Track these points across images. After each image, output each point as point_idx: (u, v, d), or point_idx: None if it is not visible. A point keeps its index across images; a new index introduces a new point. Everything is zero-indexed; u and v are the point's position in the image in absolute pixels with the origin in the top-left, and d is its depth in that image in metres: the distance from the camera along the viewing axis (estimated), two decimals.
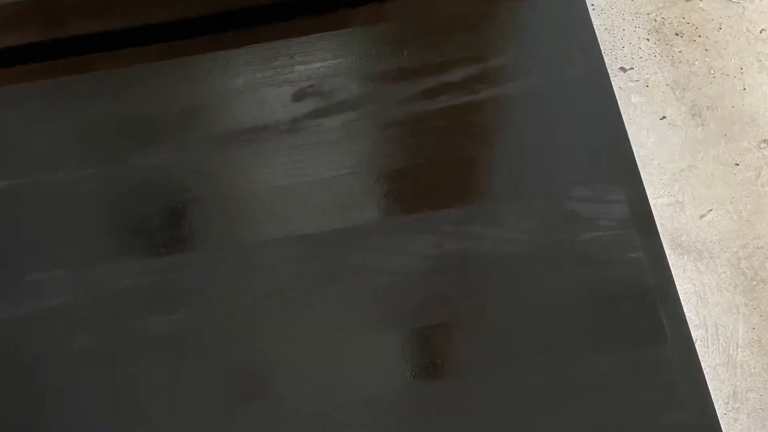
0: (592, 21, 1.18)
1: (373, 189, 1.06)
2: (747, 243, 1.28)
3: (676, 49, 1.45)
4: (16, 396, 0.95)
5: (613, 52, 1.43)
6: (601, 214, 1.02)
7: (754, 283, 1.25)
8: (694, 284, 1.26)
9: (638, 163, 1.07)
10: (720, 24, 1.46)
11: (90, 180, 1.07)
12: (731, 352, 1.22)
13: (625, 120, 1.10)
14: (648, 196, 1.04)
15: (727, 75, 1.43)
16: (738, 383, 1.20)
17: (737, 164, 1.34)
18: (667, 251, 1.05)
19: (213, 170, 1.07)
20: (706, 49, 1.45)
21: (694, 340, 0.93)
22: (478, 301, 0.98)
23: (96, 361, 0.96)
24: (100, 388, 0.95)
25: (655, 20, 1.47)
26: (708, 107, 1.40)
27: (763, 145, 1.35)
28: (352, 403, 0.93)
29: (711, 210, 1.31)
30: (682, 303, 0.97)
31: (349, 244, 1.02)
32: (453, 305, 0.98)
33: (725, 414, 1.19)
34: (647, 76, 1.43)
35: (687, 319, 0.95)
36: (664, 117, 1.39)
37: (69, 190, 1.06)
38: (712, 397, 0.90)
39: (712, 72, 1.43)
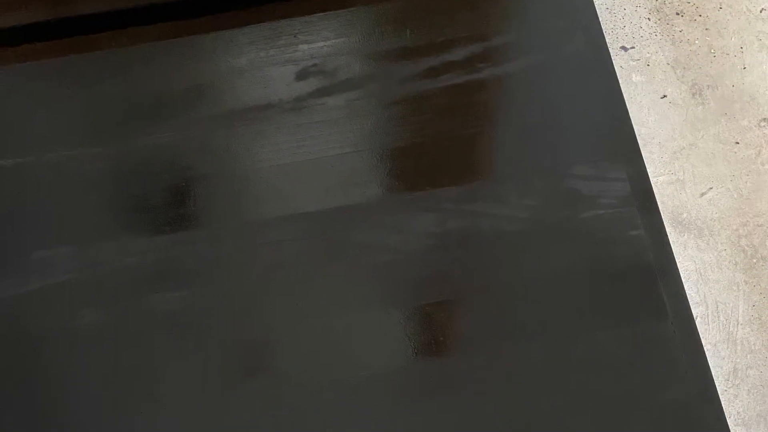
0: (594, 0, 1.14)
1: (375, 167, 1.04)
2: (747, 221, 1.25)
3: (676, 28, 1.42)
4: (21, 372, 0.93)
5: (614, 32, 1.40)
6: (602, 192, 1.00)
7: (754, 260, 1.23)
8: (695, 262, 1.23)
9: (639, 141, 1.05)
10: (720, 3, 1.42)
11: (95, 158, 1.05)
12: (731, 329, 1.20)
13: (626, 99, 1.08)
14: (649, 174, 1.02)
15: (728, 54, 1.39)
16: (738, 360, 1.18)
17: (737, 143, 1.31)
18: (668, 229, 1.02)
19: (217, 149, 1.05)
20: (706, 29, 1.42)
21: (694, 317, 0.90)
22: (480, 278, 0.96)
23: (101, 337, 0.94)
24: (105, 364, 0.93)
25: (656, 0, 1.44)
26: (708, 86, 1.36)
27: (763, 124, 1.32)
28: (355, 378, 0.91)
29: (711, 188, 1.29)
30: (683, 280, 0.95)
31: (352, 221, 1.00)
32: (455, 282, 0.97)
33: (725, 390, 1.17)
34: (648, 55, 1.39)
35: (687, 296, 0.93)
36: (664, 96, 1.36)
37: (74, 169, 1.04)
38: (713, 373, 0.88)
39: (712, 51, 1.40)
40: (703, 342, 0.93)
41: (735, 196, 1.27)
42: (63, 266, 0.98)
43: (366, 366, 0.92)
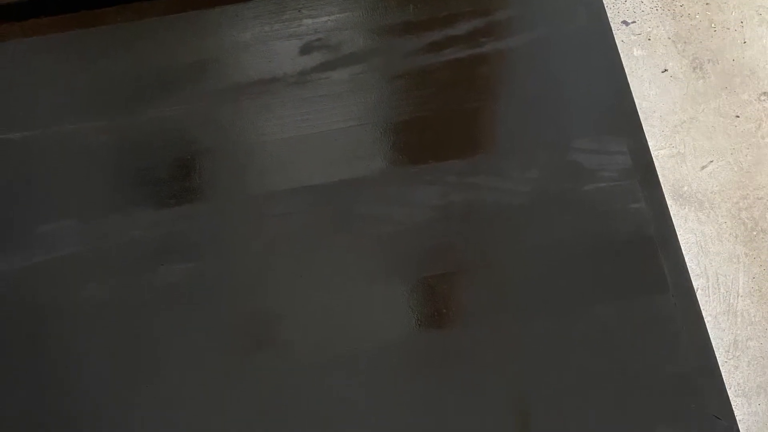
0: None
1: (379, 140, 1.01)
2: (747, 194, 1.21)
3: (677, 3, 1.37)
4: (27, 344, 0.91)
5: (615, 6, 1.35)
6: (603, 166, 0.96)
7: (755, 233, 1.19)
8: (695, 234, 1.19)
9: (640, 115, 1.01)
10: None
11: (100, 132, 1.02)
12: (732, 301, 1.16)
13: (627, 73, 1.05)
14: (650, 147, 0.98)
15: (728, 29, 1.34)
16: (738, 332, 1.15)
17: (738, 116, 1.27)
18: (669, 202, 0.99)
19: (222, 122, 1.02)
20: (707, 3, 1.37)
21: (695, 289, 0.87)
22: (483, 250, 0.94)
23: (106, 310, 0.92)
24: (110, 336, 0.91)
25: None
26: (709, 60, 1.32)
27: (763, 98, 1.27)
28: (359, 350, 0.89)
29: (712, 161, 1.25)
30: (683, 253, 0.92)
31: (356, 194, 0.97)
32: (458, 255, 0.94)
33: (726, 362, 1.14)
34: (649, 29, 1.35)
35: (688, 268, 0.90)
36: (665, 70, 1.32)
37: (80, 142, 1.01)
38: (713, 345, 0.85)
39: (713, 26, 1.35)
40: (704, 314, 0.90)
41: (735, 169, 1.23)
42: (68, 240, 0.95)
43: (369, 338, 0.89)
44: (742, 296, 1.16)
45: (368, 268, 0.94)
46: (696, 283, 1.18)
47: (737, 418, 0.81)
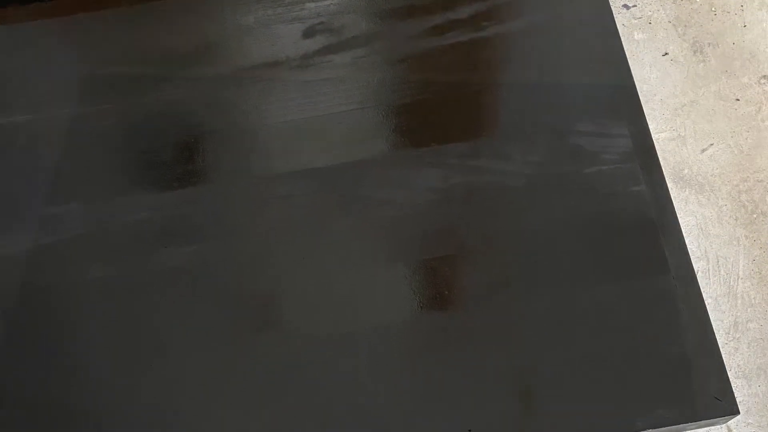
0: None
1: (381, 123, 0.98)
2: (747, 177, 1.19)
3: None
4: (32, 325, 0.89)
5: None
6: (605, 148, 0.94)
7: (755, 216, 1.16)
8: (696, 217, 1.17)
9: (641, 98, 0.98)
10: None
11: (104, 115, 1.00)
12: (732, 283, 1.14)
13: (628, 56, 1.02)
14: (650, 130, 0.95)
15: (728, 12, 1.31)
16: (738, 314, 1.12)
17: (738, 99, 1.24)
18: (669, 184, 0.96)
19: (225, 105, 1.00)
20: None
21: (695, 271, 0.84)
22: (484, 233, 0.91)
23: (111, 291, 0.90)
24: (114, 318, 0.89)
25: None
26: (709, 44, 1.29)
27: (763, 81, 1.24)
28: (362, 331, 0.87)
29: (712, 144, 1.22)
30: (684, 235, 0.89)
31: (359, 177, 0.95)
32: (459, 237, 0.92)
33: (726, 344, 1.11)
34: (650, 13, 1.32)
35: (689, 251, 0.87)
36: (666, 53, 1.29)
37: (84, 125, 0.99)
38: (713, 327, 0.83)
39: (713, 9, 1.32)
40: (704, 296, 0.88)
41: (735, 152, 1.20)
42: (73, 222, 0.93)
43: (372, 318, 0.87)
44: (742, 278, 1.14)
45: (370, 251, 0.92)
46: (696, 265, 1.15)
47: (737, 400, 0.79)
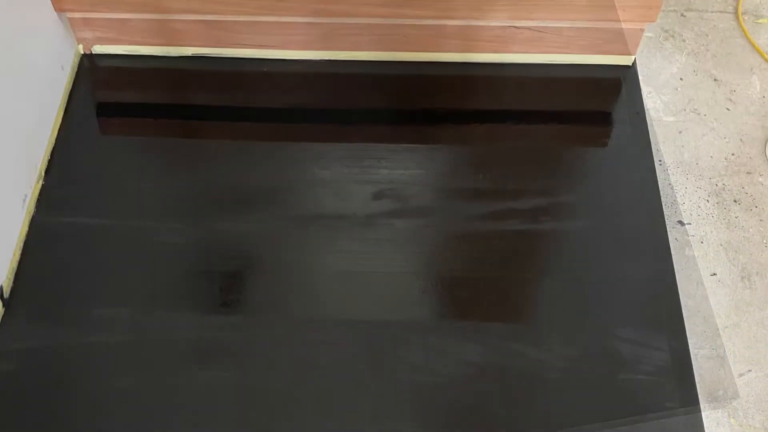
0: (658, 175, 1.11)
1: (430, 291, 1.00)
2: None
3: (732, 214, 1.36)
4: (48, 424, 0.89)
5: (673, 206, 1.34)
6: (642, 358, 0.93)
7: None
8: None
9: (684, 312, 0.97)
10: None
11: (173, 233, 1.04)
12: None
13: (676, 270, 1.02)
14: (690, 345, 0.94)
15: None
16: None
17: None
18: (702, 403, 0.93)
19: (287, 245, 1.03)
20: (761, 220, 1.35)
21: None
22: (511, 419, 0.89)
23: (135, 403, 0.90)
24: (132, 430, 0.88)
25: (716, 185, 1.39)
26: (758, 273, 1.28)
27: None
28: None
29: (750, 371, 1.18)
30: None
31: (397, 337, 0.95)
32: (487, 418, 0.90)
33: None
34: (703, 233, 1.33)
35: None
36: (714, 274, 1.29)
37: (152, 238, 1.03)
38: None
39: (765, 241, 1.33)
40: None
41: None
42: (118, 327, 0.95)
43: None
44: None
45: (397, 413, 0.90)
46: None
47: None
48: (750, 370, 1.18)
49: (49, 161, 1.10)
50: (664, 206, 1.09)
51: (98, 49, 1.22)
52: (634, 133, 1.15)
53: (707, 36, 1.59)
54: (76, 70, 1.20)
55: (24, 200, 1.04)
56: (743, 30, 1.59)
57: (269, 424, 0.89)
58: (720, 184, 1.38)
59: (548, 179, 1.10)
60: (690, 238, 1.31)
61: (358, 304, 0.98)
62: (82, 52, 1.22)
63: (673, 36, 1.60)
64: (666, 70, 1.53)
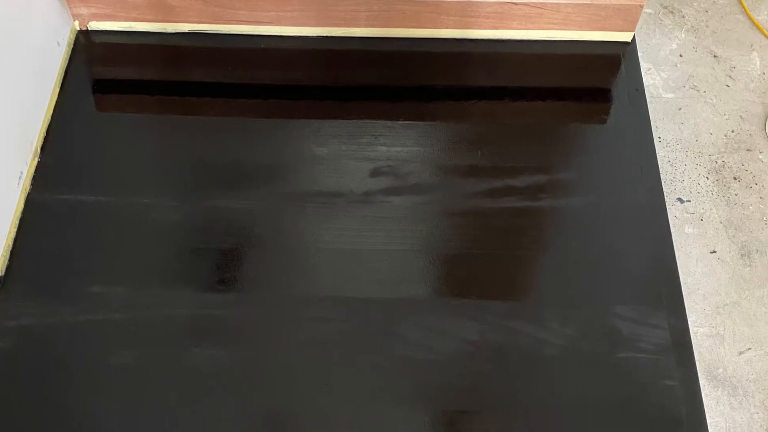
0: (657, 152, 1.08)
1: (428, 269, 0.97)
2: None
3: (732, 191, 1.32)
4: (48, 398, 0.86)
5: (673, 183, 1.31)
6: (641, 336, 0.90)
7: None
8: (726, 419, 1.09)
9: (684, 290, 0.95)
10: None
11: (169, 210, 1.00)
12: None
13: (676, 248, 0.99)
14: (690, 323, 0.91)
15: None
16: None
17: None
18: (702, 381, 0.90)
19: (284, 223, 1.00)
20: (761, 197, 1.31)
21: None
22: (509, 396, 0.87)
23: (130, 380, 0.87)
24: (128, 407, 0.86)
25: (716, 162, 1.35)
26: (757, 251, 1.25)
27: None
28: None
29: (750, 349, 1.16)
30: None
31: (395, 315, 0.92)
32: (484, 395, 0.87)
33: None
34: (702, 211, 1.30)
35: None
36: (714, 251, 1.25)
37: (147, 216, 1.00)
38: None
39: (764, 219, 1.29)
40: None
41: None
42: (113, 305, 0.92)
43: None
44: None
45: (394, 391, 0.87)
46: None
47: None
48: (750, 348, 1.16)
49: (45, 138, 1.07)
50: (663, 183, 1.06)
51: (94, 25, 1.18)
52: (633, 110, 1.12)
53: (707, 12, 1.54)
54: (72, 46, 1.16)
55: (19, 177, 1.01)
56: (743, 6, 1.55)
57: (266, 400, 0.86)
58: (720, 162, 1.35)
59: (547, 156, 1.06)
60: (689, 215, 1.28)
61: (355, 281, 0.95)
62: (78, 29, 1.18)
63: (672, 12, 1.56)
64: (665, 47, 1.49)
